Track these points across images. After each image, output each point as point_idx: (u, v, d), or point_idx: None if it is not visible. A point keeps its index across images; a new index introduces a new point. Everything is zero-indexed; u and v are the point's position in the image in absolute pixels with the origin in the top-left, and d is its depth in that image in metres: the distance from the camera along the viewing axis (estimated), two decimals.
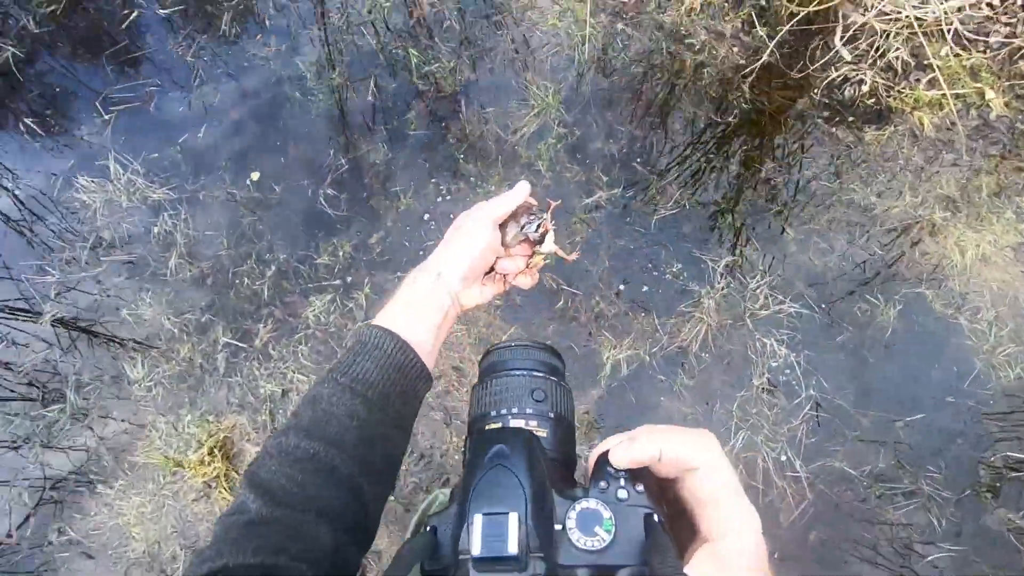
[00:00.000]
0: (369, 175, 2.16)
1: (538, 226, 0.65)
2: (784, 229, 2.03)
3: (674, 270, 1.99)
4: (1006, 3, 2.23)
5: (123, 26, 2.43)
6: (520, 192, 0.65)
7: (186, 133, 2.23)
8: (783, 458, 1.75)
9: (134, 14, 2.45)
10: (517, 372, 0.50)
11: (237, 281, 2.02)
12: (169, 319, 1.97)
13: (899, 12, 2.12)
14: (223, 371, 1.91)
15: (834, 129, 2.16)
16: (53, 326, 1.96)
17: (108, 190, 2.14)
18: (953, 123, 2.14)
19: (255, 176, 2.16)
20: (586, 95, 2.25)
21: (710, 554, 0.35)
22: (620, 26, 2.35)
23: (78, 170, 2.18)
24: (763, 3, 2.31)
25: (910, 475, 1.72)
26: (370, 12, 2.40)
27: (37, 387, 1.92)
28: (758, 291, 1.93)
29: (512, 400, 0.48)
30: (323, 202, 2.11)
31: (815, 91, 2.20)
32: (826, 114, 2.17)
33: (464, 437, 0.50)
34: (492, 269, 0.66)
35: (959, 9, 2.13)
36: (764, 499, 1.72)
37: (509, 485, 0.37)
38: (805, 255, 2.00)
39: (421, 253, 2.02)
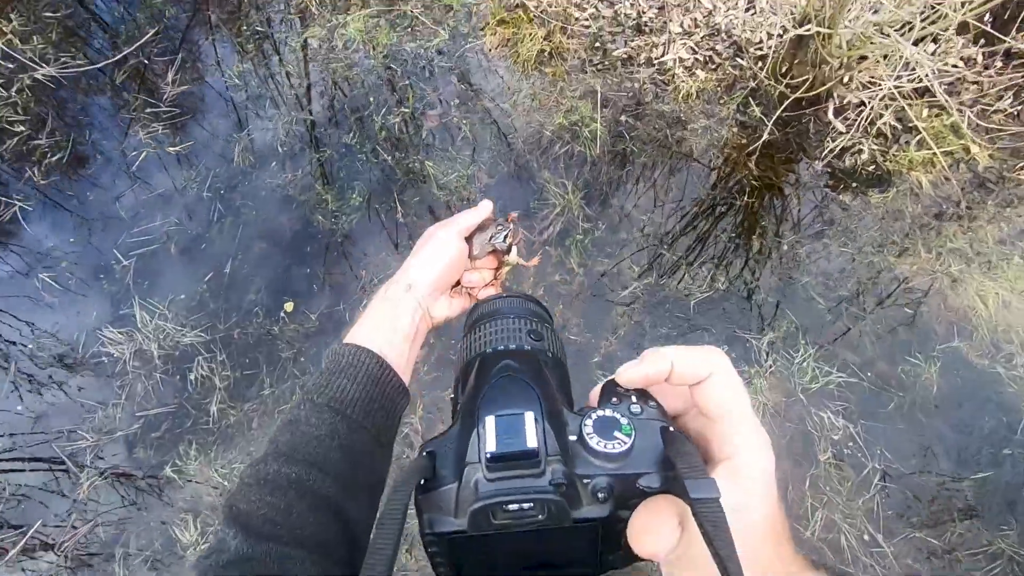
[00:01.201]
0: None
1: (506, 236, 0.67)
2: (814, 298, 2.10)
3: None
4: (969, 62, 2.43)
5: (132, 168, 2.43)
6: (484, 208, 0.68)
7: (211, 271, 2.21)
8: (865, 536, 1.75)
9: (142, 155, 2.45)
10: (511, 316, 0.48)
11: None
12: (217, 471, 1.89)
13: (880, 83, 2.29)
14: None
15: (842, 196, 2.27)
16: (91, 499, 1.86)
17: (136, 339, 2.08)
18: (947, 178, 2.28)
19: (289, 307, 2.14)
20: (604, 188, 2.33)
21: (730, 471, 0.32)
22: (624, 118, 2.46)
23: (102, 322, 2.12)
24: (753, 85, 2.46)
25: (986, 536, 1.74)
26: (381, 131, 2.46)
27: (84, 564, 1.80)
28: (805, 364, 1.98)
29: (510, 338, 0.45)
30: None
31: (817, 162, 2.32)
32: (832, 182, 2.30)
33: (454, 385, 0.47)
34: (459, 283, 0.68)
35: (933, 72, 2.32)
36: None
37: (520, 391, 0.35)
38: (840, 322, 2.07)
39: None
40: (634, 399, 0.35)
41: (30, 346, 2.11)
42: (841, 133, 2.31)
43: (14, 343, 2.11)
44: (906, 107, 2.27)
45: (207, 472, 1.89)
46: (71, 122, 2.59)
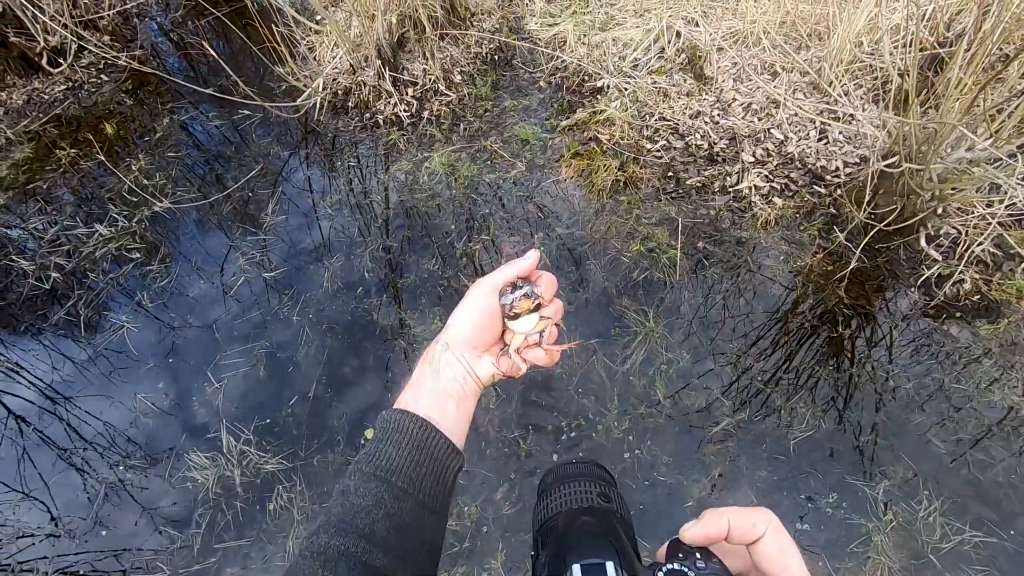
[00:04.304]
0: (484, 423, 2.12)
1: (513, 300, 0.58)
2: (931, 440, 1.92)
3: (830, 501, 1.84)
4: None
5: (230, 293, 2.59)
6: (523, 261, 0.61)
7: (296, 395, 2.25)
8: None
9: (240, 280, 2.62)
10: (582, 479, 0.54)
11: None
12: None
13: (973, 209, 2.23)
14: None
15: (946, 327, 2.14)
16: None
17: (220, 464, 2.10)
18: None
19: (369, 435, 2.12)
20: (686, 315, 2.29)
21: None
22: (702, 244, 2.47)
23: (190, 445, 2.16)
24: (833, 211, 2.45)
25: None
26: (462, 258, 2.56)
27: None
28: (931, 519, 1.76)
29: (583, 499, 0.51)
30: None
31: (912, 290, 2.23)
32: (933, 312, 2.18)
33: (533, 543, 0.51)
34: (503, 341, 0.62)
35: None
36: None
37: (601, 543, 0.42)
38: (964, 470, 1.86)
39: None
40: (698, 556, 0.39)
41: (121, 467, 2.15)
42: (936, 261, 2.23)
43: (110, 464, 2.16)
44: (1004, 234, 2.19)
45: None
46: (180, 249, 2.82)
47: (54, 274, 2.73)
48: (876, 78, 2.72)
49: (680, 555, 0.39)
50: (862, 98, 2.66)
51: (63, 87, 3.71)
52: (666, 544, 0.41)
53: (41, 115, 3.54)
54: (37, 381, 2.42)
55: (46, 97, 3.66)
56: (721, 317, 2.28)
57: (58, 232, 2.90)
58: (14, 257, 2.82)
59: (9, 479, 2.17)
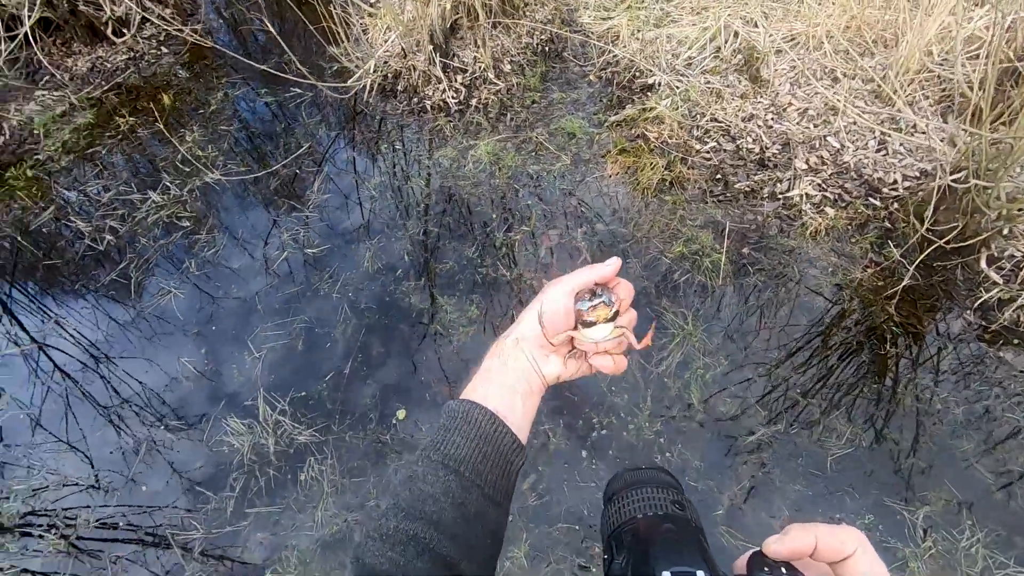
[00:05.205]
0: None
1: (591, 306, 0.57)
2: (977, 469, 1.85)
3: (866, 522, 1.79)
4: None
5: (274, 267, 2.64)
6: (604, 267, 0.59)
7: (332, 371, 2.29)
8: None
9: (283, 255, 2.68)
10: (653, 485, 0.53)
11: None
12: None
13: None
14: None
15: (1002, 353, 2.06)
16: None
17: (256, 432, 2.15)
18: None
19: (401, 415, 2.15)
20: (726, 320, 2.25)
21: None
22: (747, 251, 2.42)
23: (229, 411, 2.22)
24: (888, 226, 2.37)
25: None
26: (502, 247, 2.56)
27: None
28: (973, 551, 1.70)
29: (658, 505, 0.51)
30: None
31: (968, 312, 2.14)
32: (988, 336, 2.09)
33: (605, 547, 0.51)
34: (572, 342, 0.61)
35: None
36: None
37: (688, 551, 0.42)
38: (1014, 502, 1.79)
39: (582, 500, 1.89)
40: (783, 570, 0.39)
41: (160, 427, 2.23)
42: (996, 284, 2.13)
43: (148, 424, 2.24)
44: None
45: None
46: (227, 221, 2.89)
47: (108, 237, 2.83)
48: (944, 90, 2.61)
49: (766, 568, 0.39)
50: (928, 109, 2.56)
51: (125, 57, 3.83)
52: (747, 556, 0.41)
53: (103, 83, 3.66)
54: (84, 339, 2.52)
55: (109, 66, 3.78)
56: (761, 325, 2.23)
57: (114, 197, 3.00)
58: (72, 218, 2.93)
59: (54, 429, 2.26)
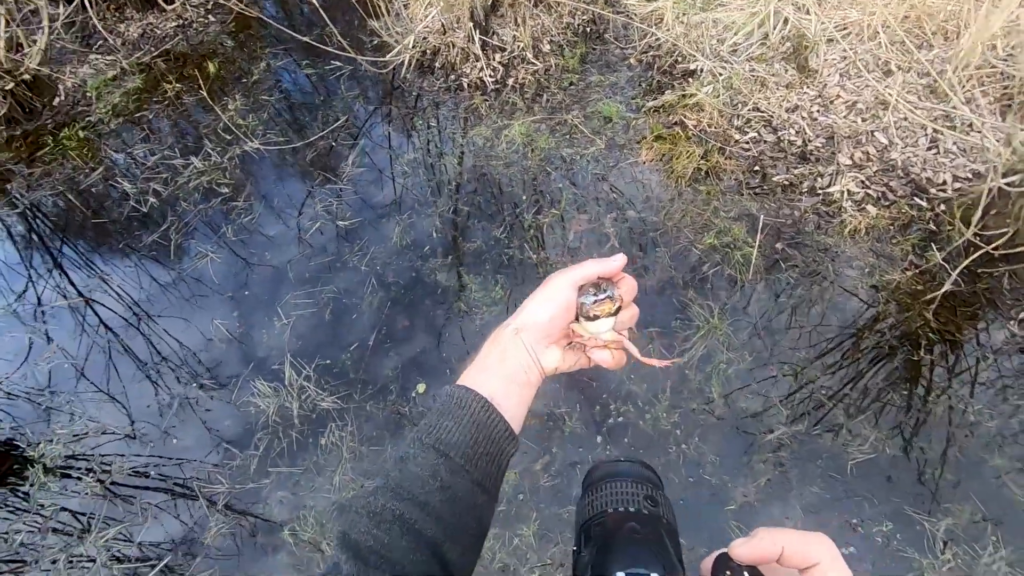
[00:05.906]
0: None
1: (596, 301, 0.56)
2: (1007, 486, 1.78)
3: (884, 530, 1.75)
4: None
5: (306, 236, 2.70)
6: (610, 262, 0.59)
7: (357, 341, 2.34)
8: None
9: (316, 225, 2.73)
10: (629, 479, 0.52)
11: None
12: (328, 546, 1.90)
13: None
14: None
15: None
16: (214, 546, 1.94)
17: (281, 395, 2.22)
18: None
19: (421, 389, 2.19)
20: (753, 316, 2.21)
21: None
22: (781, 246, 2.36)
23: (257, 373, 2.30)
24: (933, 228, 2.27)
25: None
26: (530, 229, 2.55)
27: None
28: (995, 567, 1.65)
29: (629, 500, 0.50)
30: None
31: (1012, 323, 2.05)
32: None
33: (576, 537, 0.51)
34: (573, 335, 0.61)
35: None
36: None
37: (646, 553, 0.41)
38: None
39: None
40: (746, 575, 0.38)
41: (193, 384, 2.32)
42: None
43: (183, 381, 2.33)
44: None
45: (319, 542, 1.91)
46: (263, 189, 2.96)
47: (151, 199, 2.93)
48: (1006, 87, 2.47)
49: (728, 572, 0.38)
50: (986, 107, 2.42)
51: (174, 24, 3.92)
52: (712, 557, 0.40)
53: (153, 49, 3.76)
54: (127, 296, 2.63)
55: (158, 32, 3.88)
56: (790, 324, 2.18)
57: (158, 161, 3.10)
58: (119, 180, 3.04)
59: (97, 380, 2.39)
